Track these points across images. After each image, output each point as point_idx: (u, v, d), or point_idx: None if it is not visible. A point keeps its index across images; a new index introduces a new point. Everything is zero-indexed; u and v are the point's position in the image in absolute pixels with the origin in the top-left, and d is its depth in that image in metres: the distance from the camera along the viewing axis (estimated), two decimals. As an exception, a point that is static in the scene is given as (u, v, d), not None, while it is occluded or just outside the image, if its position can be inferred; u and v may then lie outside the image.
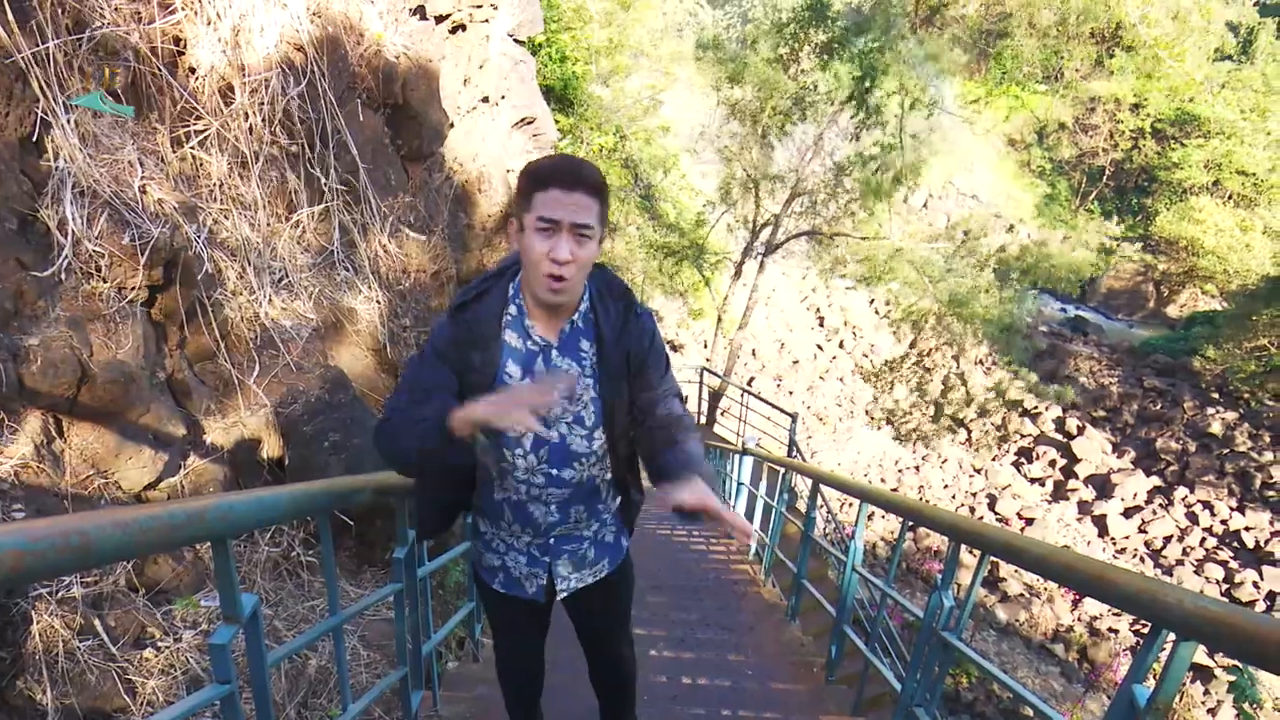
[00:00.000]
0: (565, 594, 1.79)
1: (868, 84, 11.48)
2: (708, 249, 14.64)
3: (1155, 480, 16.87)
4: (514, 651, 2.00)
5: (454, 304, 1.60)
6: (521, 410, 1.30)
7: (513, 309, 1.59)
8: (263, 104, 3.12)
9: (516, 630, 1.93)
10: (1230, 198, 24.81)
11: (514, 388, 1.47)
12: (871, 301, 22.18)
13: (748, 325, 14.18)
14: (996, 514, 16.05)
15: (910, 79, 11.36)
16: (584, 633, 2.02)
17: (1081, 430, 18.44)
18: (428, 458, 1.47)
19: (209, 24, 2.93)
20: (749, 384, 18.30)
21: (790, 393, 19.37)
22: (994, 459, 17.94)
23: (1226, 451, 17.16)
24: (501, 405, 1.34)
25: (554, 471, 1.61)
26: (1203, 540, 15.24)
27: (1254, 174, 24.32)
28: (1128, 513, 16.04)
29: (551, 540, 1.73)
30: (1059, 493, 16.92)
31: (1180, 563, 14.69)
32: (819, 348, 21.62)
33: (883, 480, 17.43)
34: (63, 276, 2.32)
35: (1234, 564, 14.51)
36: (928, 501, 15.24)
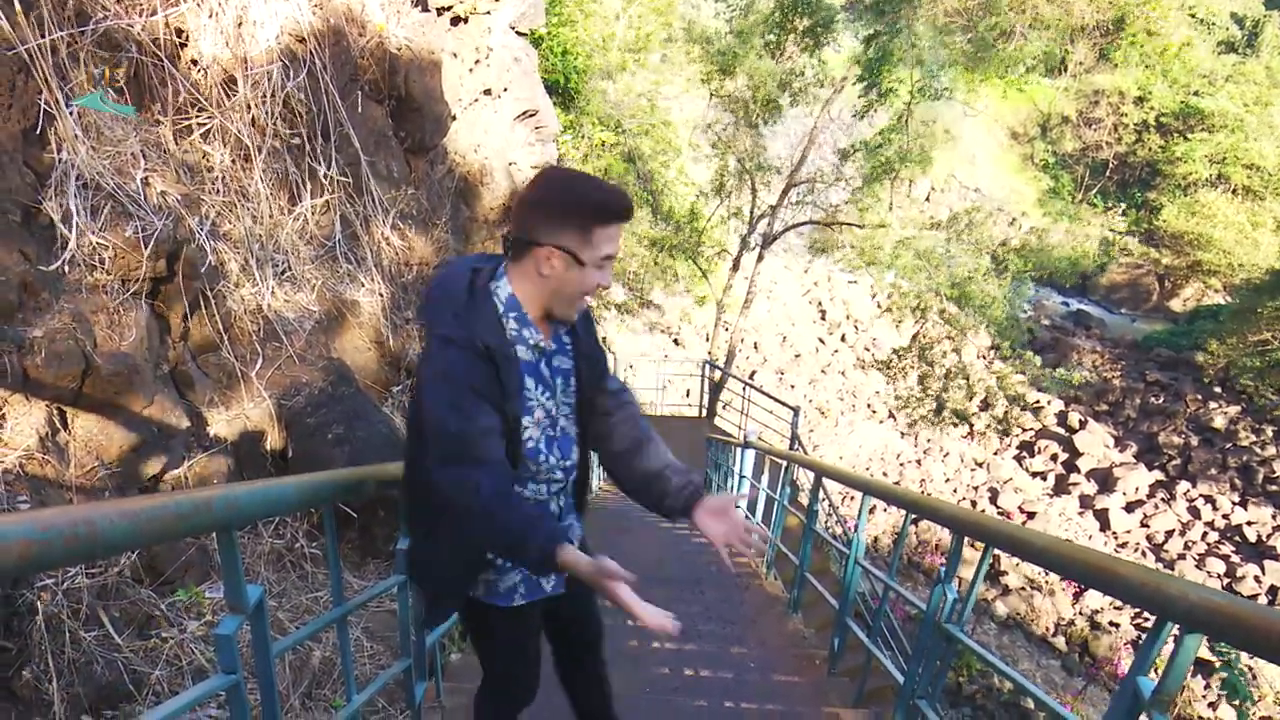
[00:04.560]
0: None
1: (877, 69, 11.57)
2: (705, 242, 14.63)
3: (1157, 474, 16.87)
4: (524, 666, 1.92)
5: (460, 336, 1.43)
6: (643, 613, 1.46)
7: (511, 323, 1.50)
8: (265, 96, 3.11)
9: (529, 637, 1.88)
10: (1235, 191, 24.70)
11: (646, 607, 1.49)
12: (874, 296, 22.14)
13: (748, 317, 14.16)
14: (998, 507, 16.05)
15: (919, 54, 11.38)
16: (574, 646, 1.97)
17: (1084, 424, 18.43)
18: (507, 552, 1.50)
19: (211, 15, 2.92)
20: (751, 377, 18.28)
21: (792, 386, 19.36)
22: (996, 453, 17.93)
23: (1229, 446, 17.15)
24: (639, 611, 1.47)
25: (567, 461, 1.66)
26: (1204, 534, 15.25)
27: (1262, 168, 24.19)
28: (1130, 507, 16.03)
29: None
30: (1061, 486, 16.92)
31: (1182, 557, 14.70)
32: (821, 341, 21.61)
33: (885, 474, 17.43)
34: (66, 269, 2.32)
35: (1236, 558, 14.51)
36: (929, 494, 15.23)
